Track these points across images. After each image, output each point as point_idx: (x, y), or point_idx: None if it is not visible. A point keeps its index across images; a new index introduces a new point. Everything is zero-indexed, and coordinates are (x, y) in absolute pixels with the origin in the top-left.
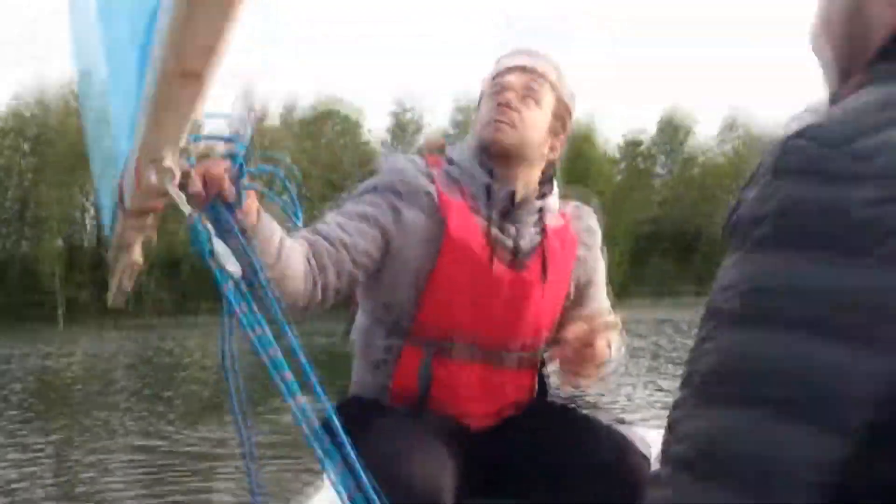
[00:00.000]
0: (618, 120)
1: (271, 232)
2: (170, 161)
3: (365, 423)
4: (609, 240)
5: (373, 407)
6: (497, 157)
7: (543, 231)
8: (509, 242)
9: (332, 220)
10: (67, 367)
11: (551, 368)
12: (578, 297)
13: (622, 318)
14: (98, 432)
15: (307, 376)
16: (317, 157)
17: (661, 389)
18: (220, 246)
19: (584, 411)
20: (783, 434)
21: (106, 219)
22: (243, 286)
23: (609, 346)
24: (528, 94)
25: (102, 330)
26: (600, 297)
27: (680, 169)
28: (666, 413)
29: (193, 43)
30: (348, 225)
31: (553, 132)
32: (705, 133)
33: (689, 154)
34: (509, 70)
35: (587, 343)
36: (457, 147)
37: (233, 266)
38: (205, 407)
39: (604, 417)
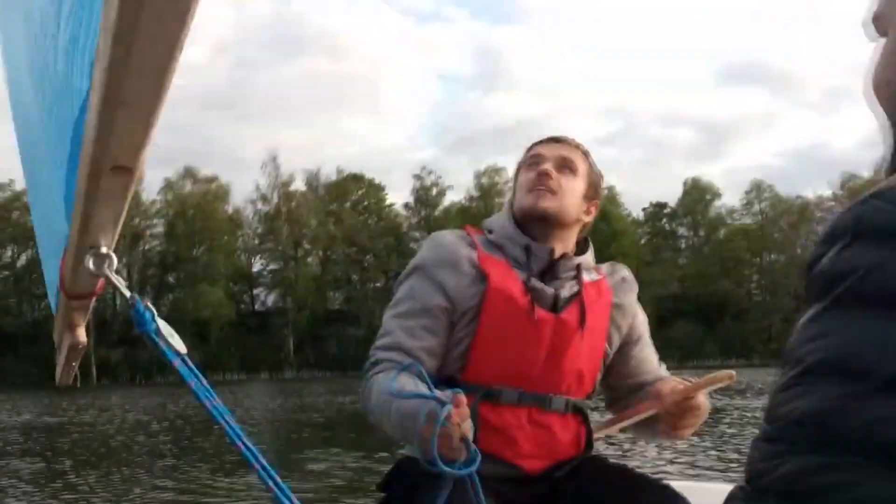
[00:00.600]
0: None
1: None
2: (106, 248)
3: (413, 484)
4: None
5: (424, 469)
6: (536, 222)
7: (580, 283)
8: (549, 292)
9: (397, 329)
10: (107, 420)
11: (627, 422)
12: (628, 348)
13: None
14: (137, 477)
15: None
16: (341, 220)
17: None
18: (164, 326)
19: (631, 467)
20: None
21: (52, 297)
22: (189, 361)
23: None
24: (564, 164)
25: (134, 386)
26: (650, 350)
27: (706, 231)
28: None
29: (120, 142)
30: (415, 331)
31: (587, 197)
32: (731, 197)
33: (715, 215)
34: (543, 143)
35: (690, 397)
36: (494, 218)
37: (178, 343)
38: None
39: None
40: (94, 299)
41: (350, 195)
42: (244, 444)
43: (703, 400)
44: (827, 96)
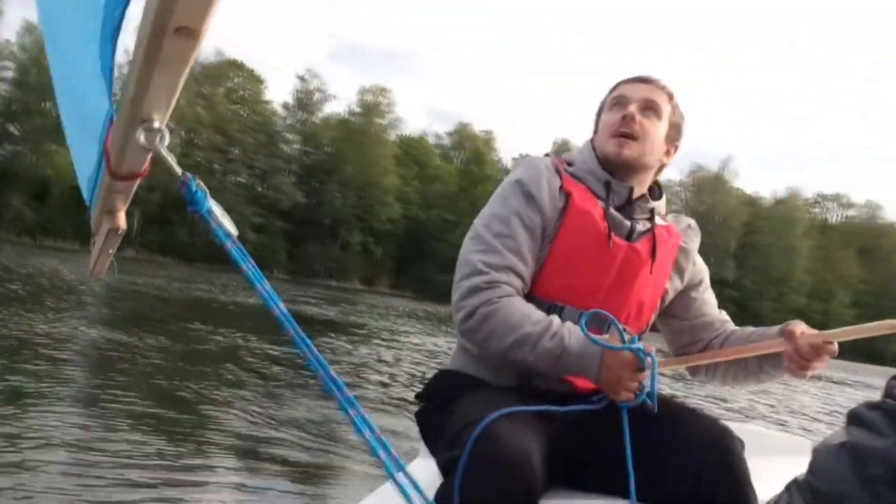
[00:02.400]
0: None
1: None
2: (158, 122)
3: (455, 394)
4: None
5: (468, 379)
6: (617, 169)
7: (653, 222)
8: (626, 223)
9: (506, 250)
10: None
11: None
12: (691, 290)
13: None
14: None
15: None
16: (212, 104)
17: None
18: (216, 206)
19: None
20: None
21: (84, 183)
22: (240, 244)
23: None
24: (649, 106)
25: None
26: (711, 295)
27: None
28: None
29: (188, 0)
30: (523, 252)
31: (669, 139)
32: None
33: None
34: (629, 82)
35: (830, 342)
36: (575, 152)
37: (230, 224)
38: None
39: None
40: (138, 180)
41: (226, 82)
42: (295, 329)
43: (836, 345)
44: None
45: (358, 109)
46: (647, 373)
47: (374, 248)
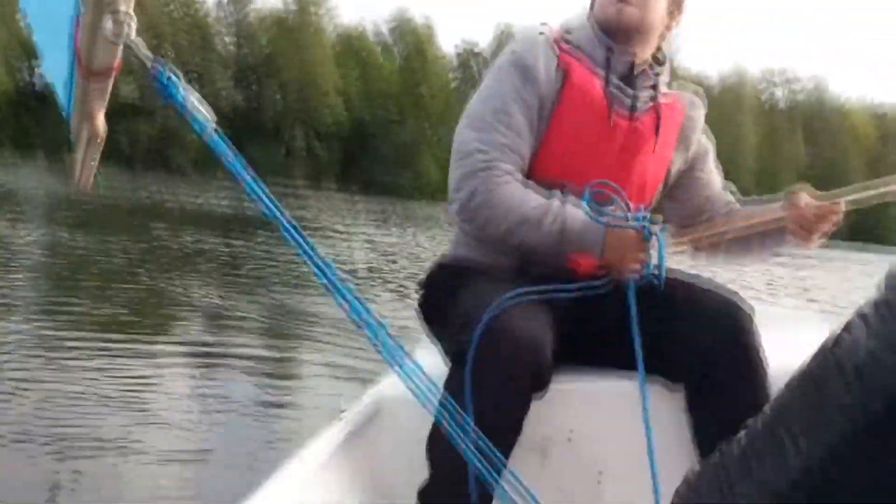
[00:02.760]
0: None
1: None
2: (125, 7)
3: (459, 281)
4: (432, 146)
5: (470, 266)
6: (617, 33)
7: (657, 94)
8: (627, 96)
9: (504, 127)
10: None
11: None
12: (696, 165)
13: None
14: None
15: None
16: (142, 3)
17: None
18: (191, 93)
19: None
20: None
21: (61, 93)
22: (220, 131)
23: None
24: None
25: None
26: (716, 170)
27: None
28: None
29: None
30: (521, 130)
31: (670, 11)
32: None
33: None
34: None
35: (836, 211)
36: (572, 20)
37: (207, 111)
38: None
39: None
40: (112, 78)
41: None
42: (284, 218)
43: (842, 209)
44: None
45: (294, 7)
46: (654, 249)
47: (320, 150)
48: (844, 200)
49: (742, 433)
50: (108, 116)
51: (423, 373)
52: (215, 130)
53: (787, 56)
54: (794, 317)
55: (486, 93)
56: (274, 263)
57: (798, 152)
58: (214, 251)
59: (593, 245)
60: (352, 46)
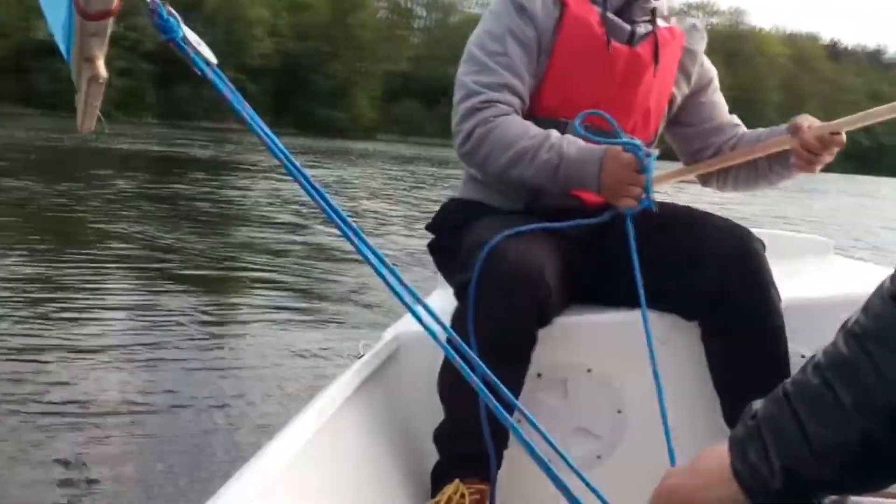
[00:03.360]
0: None
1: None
2: None
3: (466, 220)
4: (364, 81)
5: (477, 205)
6: None
7: (655, 24)
8: (625, 27)
9: (500, 67)
10: None
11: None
12: (699, 93)
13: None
14: None
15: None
16: None
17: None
18: (191, 34)
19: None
20: None
21: (59, 36)
22: (221, 72)
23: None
24: None
25: None
26: (720, 97)
27: (440, 14)
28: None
29: None
30: (517, 68)
31: None
32: None
33: (449, 2)
34: None
35: (838, 133)
36: None
37: (207, 52)
38: None
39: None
40: (111, 19)
41: None
42: (286, 155)
43: (843, 135)
44: None
45: None
46: (651, 175)
47: (249, 85)
48: (844, 126)
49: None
50: (27, 56)
51: (433, 313)
52: (215, 70)
53: None
54: (802, 243)
55: (483, 33)
56: (225, 202)
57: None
58: (158, 193)
59: (590, 174)
60: None
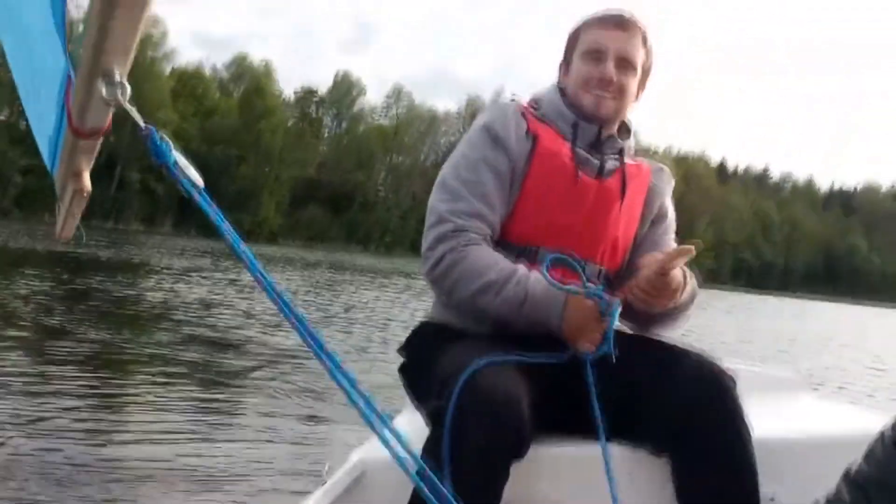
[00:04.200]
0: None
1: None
2: (119, 75)
3: (438, 344)
4: (271, 186)
5: (448, 329)
6: (593, 120)
7: (623, 160)
8: (594, 161)
9: (472, 195)
10: None
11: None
12: (655, 230)
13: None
14: None
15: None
16: None
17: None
18: (180, 157)
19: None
20: None
21: (45, 147)
22: (207, 195)
23: (685, 279)
24: (626, 62)
25: None
26: (672, 239)
27: (349, 124)
28: None
29: None
30: (490, 197)
31: (641, 84)
32: (373, 95)
33: (358, 111)
34: (605, 27)
35: (663, 271)
36: (541, 92)
37: (196, 175)
38: None
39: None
40: (101, 139)
41: None
42: (264, 277)
43: (675, 274)
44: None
45: None
46: (613, 322)
47: (155, 186)
48: (668, 259)
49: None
50: None
51: (402, 440)
52: (202, 193)
53: None
54: (774, 378)
55: (457, 161)
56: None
57: None
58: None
59: (553, 315)
60: (189, 82)
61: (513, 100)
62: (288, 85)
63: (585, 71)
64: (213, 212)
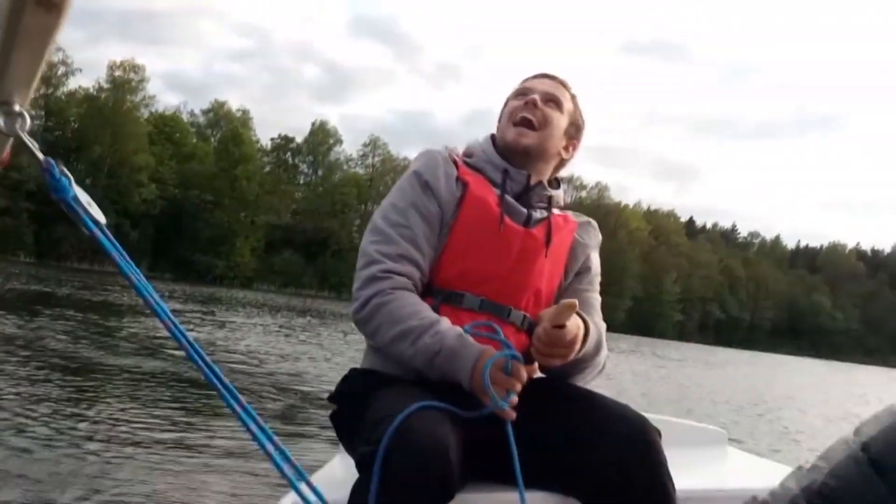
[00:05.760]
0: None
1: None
2: (19, 105)
3: (368, 391)
4: (246, 231)
5: (378, 376)
6: (516, 156)
7: (550, 211)
8: (522, 210)
9: (402, 238)
10: None
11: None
12: (577, 284)
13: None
14: None
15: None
16: None
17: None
18: (81, 193)
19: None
20: None
21: None
22: (107, 231)
23: (585, 332)
24: (551, 98)
25: None
26: (595, 297)
27: (324, 172)
28: None
29: None
30: (419, 240)
31: (569, 135)
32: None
33: (334, 160)
34: (534, 77)
35: (557, 323)
36: (474, 143)
37: (96, 212)
38: None
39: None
40: (0, 169)
41: None
42: (170, 318)
43: (571, 325)
44: (440, 70)
45: (107, 85)
46: (514, 380)
47: (130, 230)
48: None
49: None
50: None
51: (320, 495)
52: (102, 232)
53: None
54: (696, 432)
55: (387, 206)
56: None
57: None
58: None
59: (463, 368)
60: (166, 127)
61: (445, 147)
62: (263, 129)
63: (511, 106)
64: (114, 250)
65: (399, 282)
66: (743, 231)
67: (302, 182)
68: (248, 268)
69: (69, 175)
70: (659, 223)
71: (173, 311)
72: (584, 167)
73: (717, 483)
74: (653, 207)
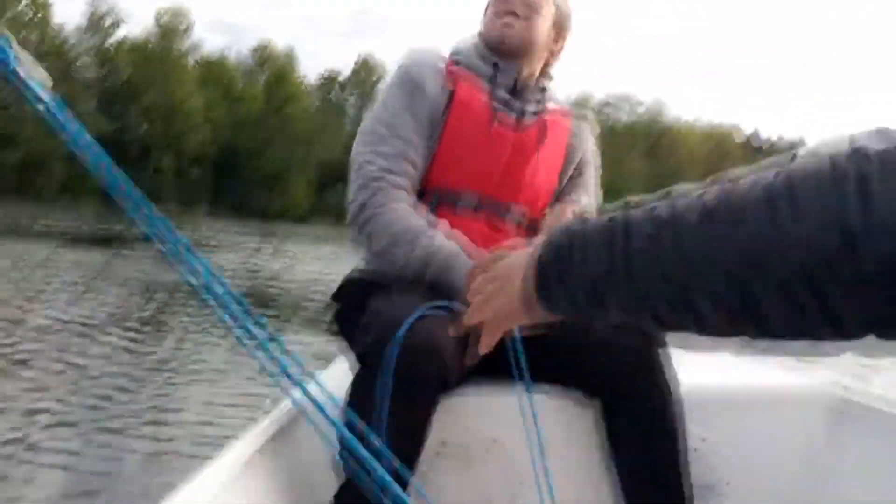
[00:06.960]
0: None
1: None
2: None
3: (370, 290)
4: (299, 168)
5: (375, 280)
6: (502, 52)
7: (544, 104)
8: (514, 105)
9: (398, 140)
10: None
11: None
12: (575, 176)
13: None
14: None
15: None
16: None
17: None
18: (23, 54)
19: None
20: None
21: None
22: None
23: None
24: (530, 4)
25: None
26: (591, 185)
27: (372, 106)
28: None
29: None
30: (413, 141)
31: (557, 26)
32: None
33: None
34: None
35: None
36: (460, 43)
37: (42, 75)
38: None
39: None
40: None
41: (11, 8)
42: (147, 206)
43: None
44: None
45: (155, 30)
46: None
47: (189, 171)
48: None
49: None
50: None
51: (325, 389)
52: (52, 103)
53: (634, 80)
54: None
55: (377, 108)
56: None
57: (638, 168)
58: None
59: (457, 275)
60: (213, 73)
61: (431, 50)
62: (312, 71)
63: (492, 11)
64: (70, 124)
65: (396, 181)
66: (810, 144)
67: (351, 116)
68: (304, 204)
69: (8, 35)
70: (719, 140)
71: (241, 245)
72: (641, 82)
73: (723, 380)
74: (713, 122)
